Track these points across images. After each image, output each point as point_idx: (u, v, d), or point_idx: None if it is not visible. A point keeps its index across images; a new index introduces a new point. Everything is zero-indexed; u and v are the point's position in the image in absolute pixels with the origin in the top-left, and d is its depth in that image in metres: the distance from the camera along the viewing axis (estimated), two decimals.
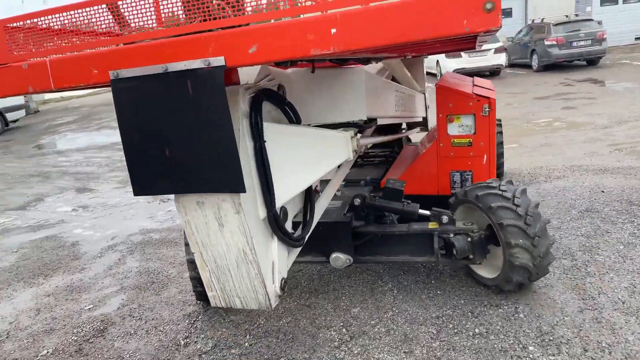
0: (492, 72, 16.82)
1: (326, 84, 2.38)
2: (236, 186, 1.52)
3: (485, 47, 15.97)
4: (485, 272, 3.08)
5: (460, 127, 3.47)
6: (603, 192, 4.66)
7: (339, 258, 2.97)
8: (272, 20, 1.48)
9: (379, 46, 1.36)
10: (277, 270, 1.87)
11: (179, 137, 1.49)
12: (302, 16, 1.42)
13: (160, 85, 1.44)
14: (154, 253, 4.53)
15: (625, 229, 3.80)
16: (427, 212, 3.04)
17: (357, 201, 3.12)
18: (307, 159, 2.02)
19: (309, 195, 2.24)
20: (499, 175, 5.13)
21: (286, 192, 1.87)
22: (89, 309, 3.64)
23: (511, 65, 19.16)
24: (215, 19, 1.44)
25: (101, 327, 3.34)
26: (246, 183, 1.52)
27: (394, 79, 4.29)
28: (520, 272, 2.77)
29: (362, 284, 3.46)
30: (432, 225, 2.93)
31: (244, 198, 1.62)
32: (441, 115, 3.49)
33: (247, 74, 1.88)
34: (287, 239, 1.93)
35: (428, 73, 19.71)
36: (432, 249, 2.90)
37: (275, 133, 1.78)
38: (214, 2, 1.43)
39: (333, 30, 1.33)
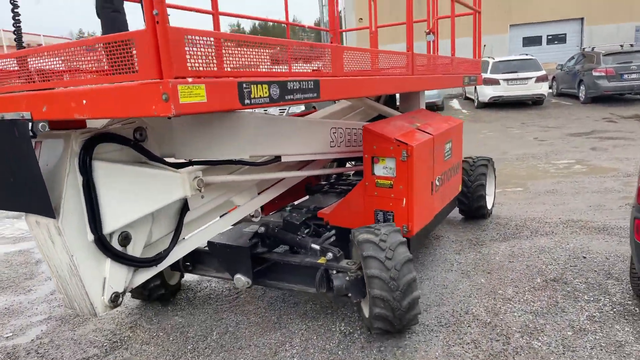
0: (534, 102, 15.90)
1: (211, 126, 2.57)
2: (47, 212, 1.98)
3: (525, 74, 15.14)
4: (365, 310, 3.10)
5: (384, 168, 3.50)
6: (585, 257, 4.12)
7: (240, 279, 3.26)
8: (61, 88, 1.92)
9: (108, 116, 1.93)
10: (108, 285, 2.23)
11: (12, 168, 1.94)
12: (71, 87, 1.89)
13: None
14: None
15: (586, 309, 3.30)
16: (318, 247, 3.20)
17: (262, 229, 3.40)
18: (140, 194, 2.26)
19: (180, 222, 2.64)
20: (482, 216, 5.28)
21: (116, 220, 2.18)
22: (7, 337, 3.61)
23: (559, 94, 18.07)
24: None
25: None
26: (73, 210, 2.02)
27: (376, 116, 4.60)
28: (380, 320, 2.88)
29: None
30: (321, 260, 3.07)
31: (66, 223, 2.04)
32: (367, 156, 3.55)
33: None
34: (121, 259, 2.27)
35: (467, 98, 19.01)
36: (322, 282, 3.03)
37: (107, 170, 2.12)
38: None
39: (84, 101, 1.79)
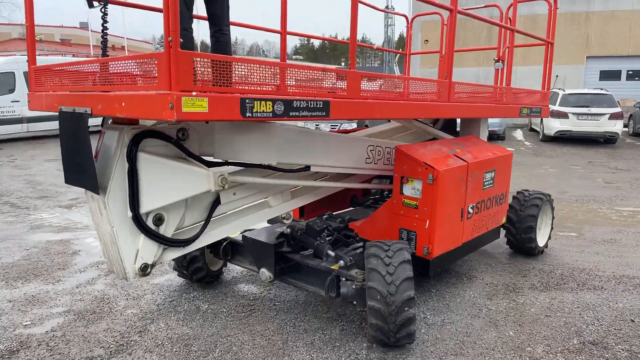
0: (606, 140, 14.82)
1: (245, 133, 2.94)
2: (94, 188, 2.43)
3: (598, 110, 14.17)
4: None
5: (412, 189, 3.64)
6: (633, 321, 3.64)
7: (264, 273, 3.63)
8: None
9: (137, 116, 2.40)
10: (139, 256, 2.62)
11: (78, 151, 2.44)
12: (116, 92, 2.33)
13: (71, 117, 2.48)
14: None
15: None
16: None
17: (288, 230, 3.74)
18: (173, 183, 2.62)
19: (211, 213, 3.00)
20: (527, 250, 5.02)
21: (152, 203, 2.57)
22: (25, 325, 3.74)
23: (636, 134, 16.86)
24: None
25: (14, 349, 3.39)
26: (118, 190, 2.46)
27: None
28: (375, 330, 3.02)
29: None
30: (334, 266, 3.31)
31: (111, 199, 2.47)
32: (396, 175, 3.72)
33: None
34: (153, 236, 2.64)
35: (532, 129, 18.08)
36: (332, 287, 3.26)
37: (149, 161, 2.51)
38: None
39: (123, 104, 2.23)
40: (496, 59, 5.14)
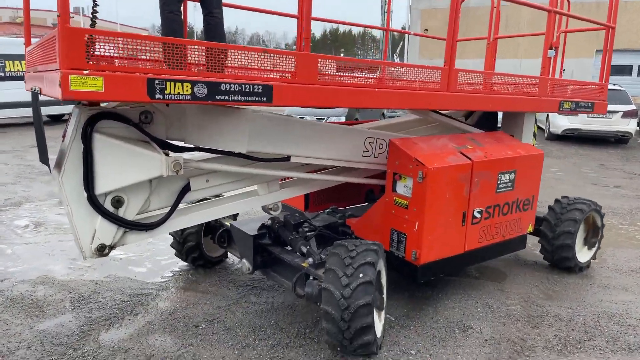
0: (618, 140, 13.04)
1: (216, 119, 2.85)
2: (46, 163, 2.62)
3: (610, 107, 12.15)
4: None
5: (405, 187, 3.34)
6: None
7: (244, 264, 3.56)
8: None
9: (46, 94, 2.38)
10: (96, 236, 2.64)
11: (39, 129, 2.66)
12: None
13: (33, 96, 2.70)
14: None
15: None
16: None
17: (268, 222, 3.59)
18: (126, 166, 2.59)
19: (179, 198, 2.96)
20: (564, 266, 4.35)
21: (106, 185, 2.55)
22: None
23: None
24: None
25: None
26: (73, 170, 2.46)
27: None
28: (328, 335, 2.82)
29: None
30: (305, 263, 3.15)
31: (66, 179, 2.48)
32: (389, 171, 3.43)
33: None
34: (110, 218, 2.64)
35: (539, 127, 15.81)
36: (301, 284, 3.09)
37: (103, 142, 2.49)
38: None
39: (45, 82, 2.32)
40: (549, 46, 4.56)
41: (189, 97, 2.10)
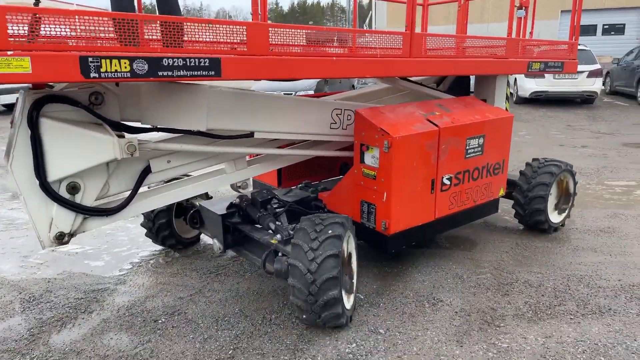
0: (584, 100, 13.23)
1: (172, 97, 2.75)
2: None
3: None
4: None
5: (372, 157, 3.28)
6: None
7: (215, 243, 3.56)
8: None
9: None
10: (54, 224, 2.56)
11: None
12: None
13: None
14: None
15: None
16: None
17: (236, 201, 3.54)
18: (78, 151, 2.48)
19: (140, 181, 2.88)
20: (541, 230, 4.43)
21: (58, 171, 2.46)
22: None
23: (612, 92, 15.16)
24: None
25: None
26: (23, 157, 2.35)
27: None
28: (298, 310, 2.82)
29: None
30: (273, 240, 3.13)
31: (15, 166, 2.38)
32: (356, 142, 3.37)
33: None
34: (66, 205, 2.55)
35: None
36: (271, 261, 3.06)
37: (51, 127, 2.38)
38: None
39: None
40: (517, 5, 4.46)
41: (128, 74, 1.98)
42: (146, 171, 2.91)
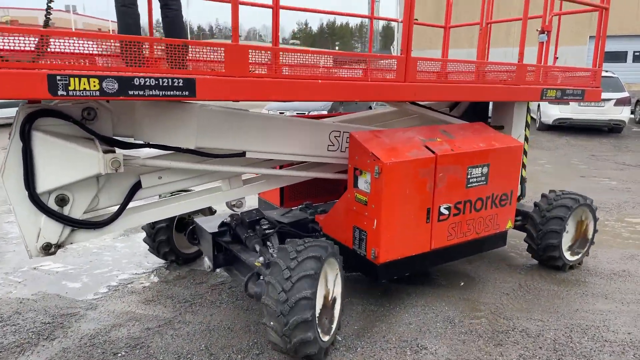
0: (611, 129, 12.59)
1: (162, 113, 2.77)
2: None
3: (602, 95, 11.65)
4: None
5: (365, 183, 3.18)
6: None
7: (206, 261, 3.57)
8: None
9: None
10: (41, 235, 2.60)
11: None
12: None
13: None
14: None
15: None
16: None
17: (227, 219, 3.53)
18: (66, 164, 2.53)
19: (130, 196, 2.90)
20: (551, 265, 4.18)
21: (46, 183, 2.51)
22: None
23: None
24: None
25: None
26: (14, 169, 2.42)
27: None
28: (270, 333, 2.71)
29: None
30: (257, 262, 3.08)
31: (7, 177, 2.45)
32: (350, 166, 3.31)
33: None
34: (54, 217, 2.59)
35: (531, 118, 15.01)
36: (253, 285, 3.01)
37: (42, 140, 2.44)
38: None
39: None
40: (539, 29, 4.31)
41: (98, 92, 2.00)
42: (137, 186, 2.94)
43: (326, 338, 2.84)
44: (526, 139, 4.71)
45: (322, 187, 4.37)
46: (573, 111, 12.19)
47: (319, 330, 2.73)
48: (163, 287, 3.85)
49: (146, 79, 2.07)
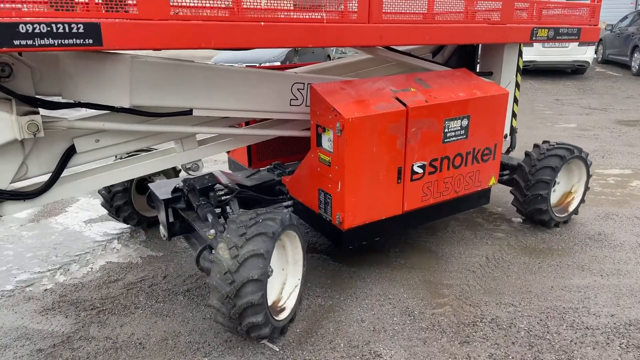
0: (574, 70, 12.27)
1: (90, 66, 2.45)
2: None
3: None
4: None
5: (328, 141, 2.85)
6: None
7: (161, 229, 3.34)
8: None
9: None
10: None
11: None
12: None
13: None
14: None
15: None
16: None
17: (180, 185, 3.23)
18: None
19: (64, 162, 2.61)
20: (541, 222, 3.94)
21: None
22: None
23: (605, 61, 14.20)
24: None
25: None
26: None
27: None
28: (217, 313, 2.47)
29: None
30: (209, 235, 2.84)
31: None
32: (312, 122, 2.97)
33: None
34: None
35: None
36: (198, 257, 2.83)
37: None
38: None
39: None
40: None
41: None
42: (71, 151, 2.63)
43: (282, 316, 2.63)
44: (517, 85, 4.34)
45: (294, 144, 4.05)
46: (537, 53, 11.63)
47: (271, 312, 2.52)
48: (68, 290, 3.24)
49: (35, 25, 1.69)
